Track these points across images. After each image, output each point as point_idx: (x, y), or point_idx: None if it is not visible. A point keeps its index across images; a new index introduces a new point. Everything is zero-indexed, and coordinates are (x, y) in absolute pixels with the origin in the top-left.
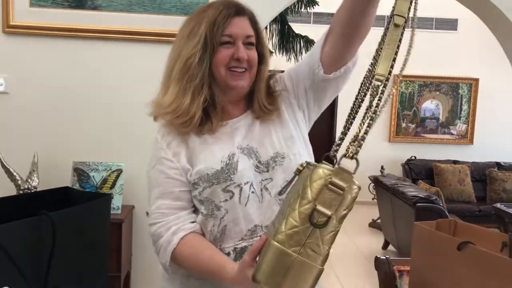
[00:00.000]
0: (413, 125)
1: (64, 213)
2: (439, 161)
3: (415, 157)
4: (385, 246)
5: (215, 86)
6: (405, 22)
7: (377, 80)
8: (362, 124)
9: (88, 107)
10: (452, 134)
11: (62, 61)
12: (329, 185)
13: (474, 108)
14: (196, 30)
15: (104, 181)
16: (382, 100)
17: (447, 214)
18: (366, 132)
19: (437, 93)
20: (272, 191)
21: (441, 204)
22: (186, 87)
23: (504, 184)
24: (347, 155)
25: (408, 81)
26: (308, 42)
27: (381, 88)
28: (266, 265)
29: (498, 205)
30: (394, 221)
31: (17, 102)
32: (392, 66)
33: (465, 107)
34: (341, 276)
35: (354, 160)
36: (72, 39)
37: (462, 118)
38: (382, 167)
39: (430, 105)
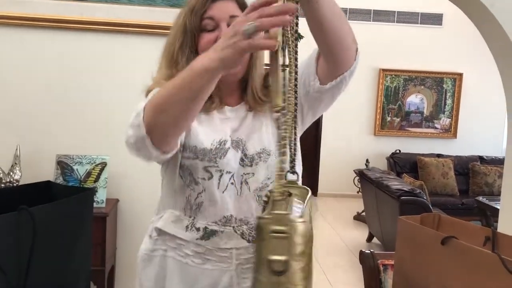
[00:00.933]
0: (398, 119)
1: (45, 208)
2: (423, 155)
3: (399, 151)
4: (369, 239)
5: None
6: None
7: (276, 111)
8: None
9: (72, 100)
10: (436, 128)
11: (44, 53)
12: (272, 234)
13: (458, 102)
14: (177, 19)
15: (88, 174)
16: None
17: (431, 207)
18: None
19: (422, 87)
20: (252, 186)
21: (425, 197)
22: (173, 73)
23: (486, 177)
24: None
25: (393, 75)
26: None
27: (283, 119)
28: None
29: (480, 198)
30: (378, 214)
31: None
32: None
33: (449, 101)
34: (326, 268)
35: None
36: (55, 30)
37: (446, 112)
38: (367, 161)
39: (415, 99)
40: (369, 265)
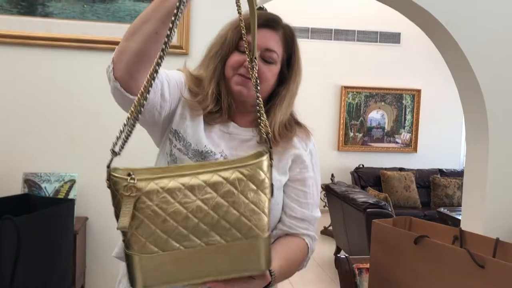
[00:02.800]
0: (361, 135)
1: (29, 217)
2: (385, 169)
3: (363, 165)
4: (337, 252)
5: (223, 86)
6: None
7: None
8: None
9: (39, 117)
10: (397, 142)
11: (11, 69)
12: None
13: (417, 117)
14: (223, 29)
15: (57, 192)
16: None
17: None
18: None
19: (382, 103)
20: None
21: (389, 209)
22: (200, 74)
23: (446, 189)
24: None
25: (354, 92)
26: None
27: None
28: None
29: (442, 209)
30: (345, 227)
31: None
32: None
33: (408, 116)
34: (295, 283)
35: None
36: (22, 47)
37: (406, 128)
38: (332, 175)
39: (376, 115)
40: (345, 269)
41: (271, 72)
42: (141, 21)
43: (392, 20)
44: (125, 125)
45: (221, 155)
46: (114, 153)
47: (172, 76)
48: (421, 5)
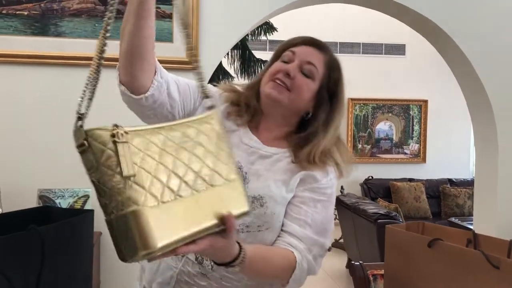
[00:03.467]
0: (369, 146)
1: (52, 227)
2: (395, 180)
3: (372, 177)
4: (349, 265)
5: (253, 94)
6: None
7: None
8: None
9: (52, 134)
10: (406, 153)
11: (25, 88)
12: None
13: (425, 128)
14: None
15: (71, 207)
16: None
17: None
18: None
19: (390, 114)
20: None
21: (400, 220)
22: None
23: (457, 199)
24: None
25: (362, 104)
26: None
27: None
28: None
29: (453, 219)
30: (356, 239)
31: None
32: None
33: (416, 127)
34: None
35: None
36: (36, 66)
37: (414, 138)
38: (342, 187)
39: (383, 127)
40: (359, 276)
41: (307, 86)
42: (123, 24)
43: (397, 32)
44: (87, 84)
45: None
46: (81, 116)
47: (183, 80)
48: (426, 15)
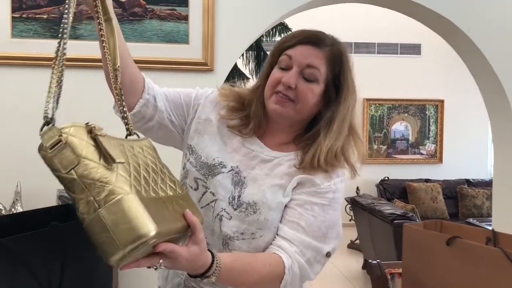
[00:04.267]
0: (385, 147)
1: (73, 225)
2: (411, 180)
3: (388, 178)
4: (365, 266)
5: (258, 103)
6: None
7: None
8: None
9: None
10: (422, 154)
11: (44, 90)
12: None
13: (441, 128)
14: (273, 47)
15: None
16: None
17: None
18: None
19: (406, 114)
20: (223, 228)
21: (417, 220)
22: (243, 89)
23: (475, 200)
24: None
25: (377, 104)
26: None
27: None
28: None
29: (471, 220)
30: (372, 239)
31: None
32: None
33: (432, 127)
34: None
35: None
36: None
37: (430, 138)
38: (357, 188)
39: (399, 127)
40: (377, 275)
41: (312, 92)
42: (104, 66)
43: (412, 31)
44: (50, 84)
45: (232, 169)
46: (49, 120)
47: (173, 90)
48: (441, 13)
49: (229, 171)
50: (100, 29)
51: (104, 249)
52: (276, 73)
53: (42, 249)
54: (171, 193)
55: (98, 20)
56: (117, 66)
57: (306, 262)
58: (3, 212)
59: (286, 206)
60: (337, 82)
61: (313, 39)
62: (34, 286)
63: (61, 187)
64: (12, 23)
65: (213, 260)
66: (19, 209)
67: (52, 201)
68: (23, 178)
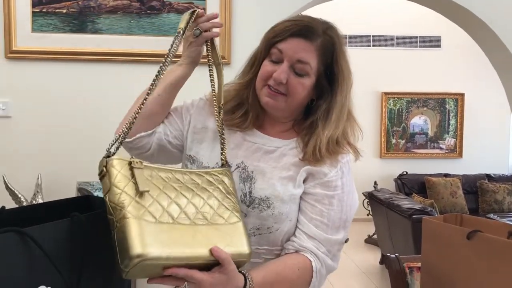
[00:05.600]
0: (403, 141)
1: (94, 215)
2: (430, 175)
3: (406, 172)
4: (382, 261)
5: (253, 95)
6: None
7: None
8: None
9: (90, 128)
10: (441, 148)
11: (64, 84)
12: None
13: (462, 122)
14: (262, 38)
15: None
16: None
17: None
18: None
19: (425, 108)
20: None
21: (436, 215)
22: (235, 84)
23: (495, 195)
24: None
25: (396, 98)
26: None
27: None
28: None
29: (491, 215)
30: (390, 234)
31: (20, 125)
32: None
33: (452, 121)
34: None
35: None
36: (74, 62)
37: (450, 133)
38: (375, 183)
39: (418, 121)
40: (396, 269)
41: (302, 85)
42: (144, 93)
43: (432, 24)
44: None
45: (238, 166)
46: (109, 154)
47: (168, 116)
48: (463, 4)
49: (235, 169)
50: (210, 70)
51: (115, 261)
52: (267, 66)
53: (63, 239)
54: (212, 223)
55: (208, 63)
56: (221, 104)
57: (332, 259)
58: (24, 204)
59: (303, 200)
60: (330, 72)
61: (304, 31)
62: (55, 275)
63: (81, 179)
64: (32, 17)
65: (245, 283)
66: (40, 201)
67: (72, 193)
68: (44, 169)
